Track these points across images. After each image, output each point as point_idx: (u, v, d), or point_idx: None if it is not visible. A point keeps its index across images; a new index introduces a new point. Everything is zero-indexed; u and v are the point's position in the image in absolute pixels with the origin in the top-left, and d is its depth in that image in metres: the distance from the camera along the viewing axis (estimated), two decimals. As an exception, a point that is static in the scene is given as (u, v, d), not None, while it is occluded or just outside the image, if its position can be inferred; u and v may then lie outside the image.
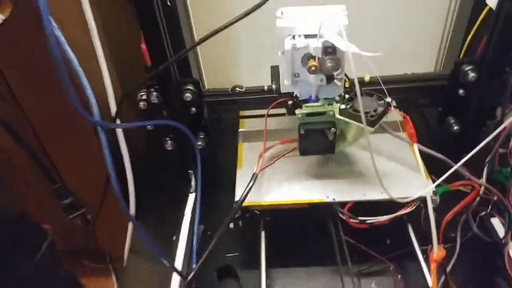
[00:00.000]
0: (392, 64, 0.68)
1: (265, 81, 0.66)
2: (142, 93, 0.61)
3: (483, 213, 0.60)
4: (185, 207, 0.68)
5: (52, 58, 0.36)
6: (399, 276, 0.60)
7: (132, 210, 0.66)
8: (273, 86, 0.63)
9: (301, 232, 0.65)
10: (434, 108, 0.68)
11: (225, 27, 0.49)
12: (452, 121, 0.65)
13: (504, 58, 0.56)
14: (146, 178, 0.72)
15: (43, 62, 0.48)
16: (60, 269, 0.61)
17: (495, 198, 0.58)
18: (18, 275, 0.55)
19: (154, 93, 0.60)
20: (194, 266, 0.59)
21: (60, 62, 0.36)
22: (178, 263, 0.59)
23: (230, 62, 0.77)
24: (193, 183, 0.69)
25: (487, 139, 0.51)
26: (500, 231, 0.58)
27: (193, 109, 0.63)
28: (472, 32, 0.62)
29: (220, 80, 0.74)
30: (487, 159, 0.59)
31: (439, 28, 0.72)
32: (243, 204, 0.57)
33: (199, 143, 0.66)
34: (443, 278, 0.53)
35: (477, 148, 0.50)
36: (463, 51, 0.64)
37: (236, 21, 0.49)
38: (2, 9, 0.48)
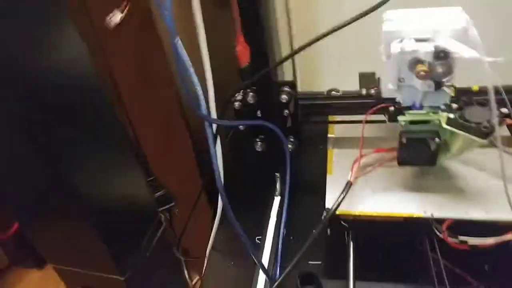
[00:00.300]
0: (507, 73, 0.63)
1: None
2: (239, 94, 0.63)
3: None
4: (270, 209, 0.67)
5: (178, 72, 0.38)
6: None
7: (219, 209, 0.67)
8: (372, 91, 0.61)
9: (392, 247, 0.62)
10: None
11: (326, 34, 0.48)
12: None
13: None
14: (232, 179, 0.73)
15: (149, 63, 0.51)
16: (170, 257, 0.64)
17: None
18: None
19: (251, 93, 0.61)
20: (278, 269, 0.58)
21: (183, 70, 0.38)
22: (264, 264, 0.59)
23: (321, 67, 0.76)
24: (278, 185, 0.69)
25: None
26: None
27: (287, 111, 0.63)
28: None
29: (311, 83, 0.74)
30: None
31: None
32: (337, 212, 0.55)
33: (289, 146, 0.66)
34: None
35: None
36: None
37: (339, 29, 0.49)
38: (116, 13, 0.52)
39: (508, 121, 0.51)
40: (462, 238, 0.53)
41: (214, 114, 0.56)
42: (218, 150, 0.60)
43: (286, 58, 0.51)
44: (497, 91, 0.52)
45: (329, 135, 0.72)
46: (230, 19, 0.53)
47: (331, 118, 0.74)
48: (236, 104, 0.63)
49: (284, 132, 0.66)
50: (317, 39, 0.49)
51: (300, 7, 0.69)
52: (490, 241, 0.52)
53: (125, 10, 0.52)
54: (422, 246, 0.56)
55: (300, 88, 0.77)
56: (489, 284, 0.55)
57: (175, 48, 0.45)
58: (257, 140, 0.67)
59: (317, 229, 0.54)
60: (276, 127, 0.59)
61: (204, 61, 0.53)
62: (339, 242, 0.61)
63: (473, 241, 0.52)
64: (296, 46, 0.68)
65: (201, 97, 0.45)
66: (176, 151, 0.71)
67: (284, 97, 0.61)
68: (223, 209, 0.71)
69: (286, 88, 0.61)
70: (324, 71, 0.78)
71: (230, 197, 0.73)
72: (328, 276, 0.61)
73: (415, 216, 0.55)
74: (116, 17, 0.40)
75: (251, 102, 0.61)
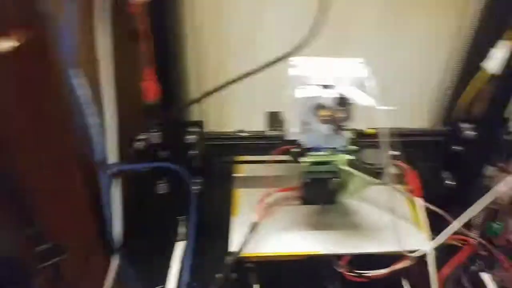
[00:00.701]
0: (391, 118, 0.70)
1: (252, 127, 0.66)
2: (143, 133, 0.59)
3: (474, 268, 0.61)
4: (172, 256, 0.63)
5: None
6: None
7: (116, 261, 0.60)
8: (277, 132, 0.63)
9: (296, 285, 0.63)
10: (431, 164, 0.70)
11: (237, 80, 0.49)
12: (447, 176, 0.67)
13: (500, 119, 0.59)
14: (133, 224, 0.67)
15: (42, 99, 0.45)
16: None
17: (486, 253, 0.60)
18: None
19: (156, 133, 0.57)
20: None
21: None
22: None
23: (230, 107, 0.75)
24: (180, 230, 0.65)
25: (485, 201, 0.52)
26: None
27: (193, 151, 0.61)
28: (468, 92, 0.65)
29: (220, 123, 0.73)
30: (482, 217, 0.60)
31: (436, 84, 0.75)
32: (241, 255, 0.54)
33: (195, 187, 0.64)
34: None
35: (478, 208, 0.51)
36: (459, 109, 0.67)
37: (248, 75, 0.49)
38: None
39: (398, 162, 0.56)
40: (358, 271, 0.56)
41: (113, 157, 0.51)
42: (115, 196, 0.54)
43: (197, 100, 0.50)
44: (390, 135, 0.58)
45: (235, 175, 0.72)
46: (139, 51, 0.50)
47: (238, 158, 0.74)
48: (140, 144, 0.59)
49: (190, 173, 0.63)
50: (228, 83, 0.49)
51: (211, 45, 0.68)
52: (383, 271, 0.56)
53: (15, 39, 0.45)
54: (325, 281, 0.58)
55: (208, 127, 0.76)
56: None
57: (70, 79, 0.40)
58: (160, 182, 0.63)
59: (223, 274, 0.51)
60: (182, 167, 0.57)
61: (105, 96, 0.48)
62: (246, 285, 0.59)
63: (368, 273, 0.56)
64: (204, 85, 0.66)
65: (97, 138, 0.41)
66: (70, 198, 0.62)
67: (191, 138, 0.58)
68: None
69: (194, 128, 0.59)
70: (233, 111, 0.78)
71: (130, 244, 0.67)
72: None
73: (316, 254, 0.57)
74: (3, 46, 0.34)
75: (156, 142, 0.58)
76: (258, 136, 0.64)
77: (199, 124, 0.60)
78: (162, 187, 0.63)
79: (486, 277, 0.60)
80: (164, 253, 0.65)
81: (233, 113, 0.70)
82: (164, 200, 0.66)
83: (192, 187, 0.60)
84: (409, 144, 0.67)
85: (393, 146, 0.57)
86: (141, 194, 0.67)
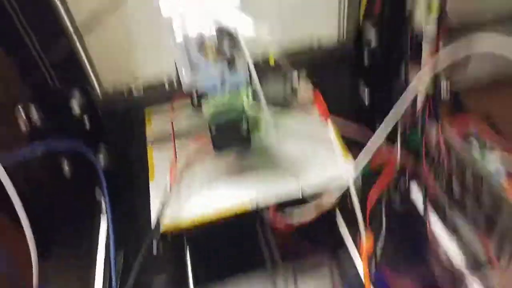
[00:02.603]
0: (295, 33, 0.65)
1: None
2: (20, 111, 0.52)
3: (402, 181, 0.60)
4: (98, 233, 0.60)
5: None
6: (334, 267, 0.58)
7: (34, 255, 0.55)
8: (174, 82, 0.57)
9: (229, 240, 0.61)
10: (344, 78, 0.67)
11: None
12: (363, 88, 0.64)
13: (401, 18, 0.55)
14: (50, 208, 0.63)
15: None
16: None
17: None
18: None
19: (34, 109, 0.50)
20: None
21: None
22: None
23: (127, 54, 0.68)
24: (103, 204, 0.61)
25: (403, 104, 0.49)
26: (420, 199, 0.58)
27: (86, 121, 0.55)
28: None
29: (118, 75, 0.65)
30: (400, 125, 0.58)
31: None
32: (161, 231, 0.50)
33: (101, 155, 0.59)
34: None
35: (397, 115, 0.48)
36: (361, 16, 0.62)
37: None
38: None
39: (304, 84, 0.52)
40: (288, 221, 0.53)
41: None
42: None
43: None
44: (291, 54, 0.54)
45: (147, 131, 0.66)
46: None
47: (148, 110, 0.68)
48: (22, 124, 0.52)
49: (92, 142, 0.58)
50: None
51: None
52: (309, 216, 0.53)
53: None
54: (256, 234, 0.56)
55: (106, 84, 0.68)
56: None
57: None
58: (64, 159, 0.57)
59: (143, 248, 0.48)
60: (77, 142, 0.51)
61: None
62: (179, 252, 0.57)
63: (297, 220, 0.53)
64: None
65: None
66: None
67: (75, 108, 0.52)
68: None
69: (77, 97, 0.52)
70: (133, 57, 0.70)
71: (54, 231, 0.63)
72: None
73: (243, 210, 0.54)
74: None
75: (36, 119, 0.51)
76: (156, 87, 0.58)
77: (82, 89, 0.53)
78: (66, 166, 0.58)
79: (415, 188, 0.60)
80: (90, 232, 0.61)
81: (130, 60, 0.63)
82: (78, 176, 0.61)
83: (97, 160, 0.55)
84: (320, 62, 0.63)
85: (295, 66, 0.53)
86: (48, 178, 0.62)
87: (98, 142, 0.59)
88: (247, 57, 0.39)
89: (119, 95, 0.59)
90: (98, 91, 0.61)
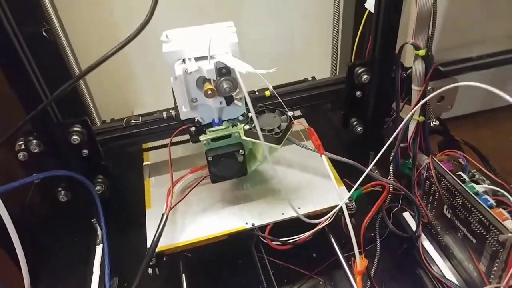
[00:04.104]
0: (289, 74, 0.68)
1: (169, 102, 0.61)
2: (20, 142, 0.53)
3: (395, 209, 0.62)
4: (93, 261, 0.59)
5: None
6: None
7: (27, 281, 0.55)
8: (173, 113, 0.59)
9: (225, 264, 0.61)
10: (337, 112, 0.69)
11: (110, 55, 0.44)
12: (355, 122, 0.66)
13: (390, 57, 0.58)
14: (46, 237, 0.63)
15: None
16: None
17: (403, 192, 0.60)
18: None
19: (34, 141, 0.52)
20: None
21: None
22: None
23: (126, 89, 0.70)
24: (99, 232, 0.61)
25: (392, 136, 0.51)
26: (412, 223, 0.59)
27: (85, 151, 0.56)
28: (358, 35, 0.64)
29: (118, 109, 0.68)
30: (392, 156, 0.60)
31: (328, 33, 0.73)
32: (157, 250, 0.51)
33: (98, 187, 0.59)
34: (368, 283, 0.53)
35: (385, 146, 0.51)
36: (353, 53, 0.66)
37: (119, 49, 0.44)
38: None
39: (296, 123, 0.54)
40: (282, 239, 0.54)
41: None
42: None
43: (60, 92, 0.43)
44: (285, 94, 0.56)
45: (144, 163, 0.68)
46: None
47: (145, 145, 0.70)
48: (20, 154, 0.53)
49: (90, 173, 0.59)
50: (100, 62, 0.43)
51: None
52: (306, 234, 0.55)
53: None
54: (251, 255, 0.57)
55: (106, 117, 0.70)
56: (320, 270, 0.58)
57: None
58: (59, 189, 0.58)
59: (140, 271, 0.49)
60: (75, 172, 0.52)
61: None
62: (176, 275, 0.57)
63: (292, 239, 0.54)
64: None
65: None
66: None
67: (74, 138, 0.53)
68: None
69: (76, 128, 0.54)
70: (132, 92, 0.72)
71: (49, 258, 0.63)
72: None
73: (237, 230, 0.55)
74: None
75: (36, 150, 0.52)
76: (151, 121, 0.59)
77: (82, 121, 0.54)
78: (64, 194, 0.58)
79: (407, 215, 0.61)
80: (86, 260, 0.61)
81: (130, 95, 0.65)
82: (73, 206, 0.62)
83: (94, 189, 0.56)
84: (314, 96, 0.66)
85: (292, 103, 0.55)
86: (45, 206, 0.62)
87: (96, 174, 0.60)
88: (245, 93, 0.41)
89: (117, 129, 0.60)
90: (98, 124, 0.63)
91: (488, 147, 0.63)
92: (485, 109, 1.03)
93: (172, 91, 0.57)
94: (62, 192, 0.58)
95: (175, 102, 0.53)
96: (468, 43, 0.82)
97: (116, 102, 0.76)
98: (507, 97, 0.32)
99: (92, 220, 0.61)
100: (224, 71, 0.47)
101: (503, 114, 1.07)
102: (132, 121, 0.58)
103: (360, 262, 0.47)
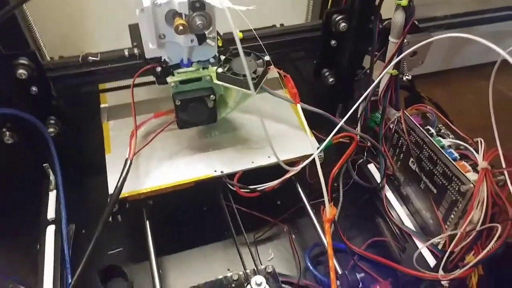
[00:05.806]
0: (262, 17, 0.64)
1: (126, 42, 0.56)
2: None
3: (360, 160, 0.62)
4: (46, 208, 0.55)
5: None
6: (293, 236, 0.59)
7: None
8: (136, 51, 0.54)
9: (190, 212, 0.60)
10: (308, 61, 0.67)
11: None
12: (327, 73, 0.64)
13: (370, 7, 0.56)
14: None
15: None
16: None
17: (369, 144, 0.61)
18: None
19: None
20: (69, 273, 0.48)
21: None
22: (47, 279, 0.48)
23: (78, 23, 0.62)
24: (52, 178, 0.57)
25: (369, 89, 0.50)
26: (377, 175, 0.61)
27: (34, 88, 0.50)
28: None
29: (67, 46, 0.60)
30: (361, 109, 0.60)
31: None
32: (120, 196, 0.48)
33: (51, 129, 0.54)
34: (332, 228, 0.54)
35: (360, 99, 0.49)
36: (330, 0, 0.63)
37: None
38: None
39: (272, 68, 0.51)
40: (251, 186, 0.54)
41: None
42: None
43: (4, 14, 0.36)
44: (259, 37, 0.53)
45: (102, 105, 0.63)
46: None
47: (102, 86, 0.64)
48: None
49: (41, 113, 0.53)
50: None
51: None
52: (275, 183, 0.54)
53: None
54: (219, 202, 0.56)
55: (52, 54, 0.63)
56: (284, 217, 0.59)
57: None
58: (4, 130, 0.52)
59: (102, 218, 0.46)
60: (23, 110, 0.47)
61: None
62: (138, 222, 0.55)
63: (261, 187, 0.54)
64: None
65: None
66: None
67: (21, 73, 0.47)
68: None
69: (22, 60, 0.47)
70: (85, 28, 0.64)
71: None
72: (132, 261, 0.56)
73: (204, 178, 0.53)
74: None
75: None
76: (112, 59, 0.54)
77: (30, 53, 0.47)
78: (8, 136, 0.52)
79: (371, 167, 0.62)
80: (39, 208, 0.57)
81: (82, 31, 0.58)
82: (20, 149, 0.56)
83: (46, 130, 0.50)
84: (287, 43, 0.63)
85: (267, 48, 0.52)
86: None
87: (48, 115, 0.54)
88: (232, 27, 0.37)
89: (72, 66, 0.53)
90: (48, 58, 0.56)
91: (446, 106, 0.65)
92: (440, 70, 1.06)
93: (130, 29, 0.52)
94: (7, 133, 0.52)
95: (139, 39, 0.48)
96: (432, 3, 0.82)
97: (65, 40, 0.68)
98: (501, 51, 0.31)
99: (44, 164, 0.57)
100: (197, 5, 0.42)
101: (456, 76, 1.12)
102: (90, 57, 0.52)
103: (330, 211, 0.47)
